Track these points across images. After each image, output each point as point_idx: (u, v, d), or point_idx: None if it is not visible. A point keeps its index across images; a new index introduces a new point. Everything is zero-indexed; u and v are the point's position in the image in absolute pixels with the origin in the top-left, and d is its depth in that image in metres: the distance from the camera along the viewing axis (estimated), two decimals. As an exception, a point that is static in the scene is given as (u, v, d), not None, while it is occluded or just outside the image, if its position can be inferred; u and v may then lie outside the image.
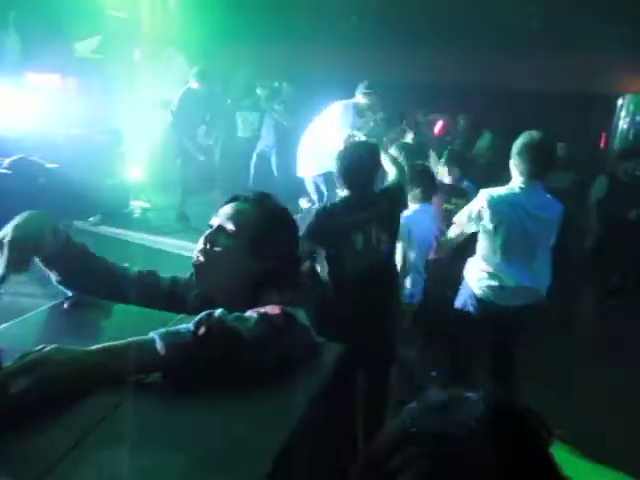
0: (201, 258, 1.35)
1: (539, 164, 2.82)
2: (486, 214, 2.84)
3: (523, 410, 0.70)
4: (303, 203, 5.69)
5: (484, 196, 2.88)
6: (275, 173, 7.31)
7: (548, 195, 2.90)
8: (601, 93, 8.37)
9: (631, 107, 7.81)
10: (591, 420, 3.11)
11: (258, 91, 7.26)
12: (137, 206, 7.11)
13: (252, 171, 7.41)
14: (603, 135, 8.55)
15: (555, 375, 3.57)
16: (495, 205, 2.83)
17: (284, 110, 7.19)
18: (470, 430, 0.65)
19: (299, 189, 5.61)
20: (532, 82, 8.90)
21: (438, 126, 8.36)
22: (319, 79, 7.49)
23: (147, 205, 7.17)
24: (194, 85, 6.29)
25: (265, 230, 1.36)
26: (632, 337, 4.16)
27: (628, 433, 3.02)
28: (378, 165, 2.94)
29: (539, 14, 8.45)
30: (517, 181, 2.86)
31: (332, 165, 2.86)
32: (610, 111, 8.28)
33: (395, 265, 3.07)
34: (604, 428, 3.04)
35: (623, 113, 7.90)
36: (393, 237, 2.91)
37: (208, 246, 1.35)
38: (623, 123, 7.88)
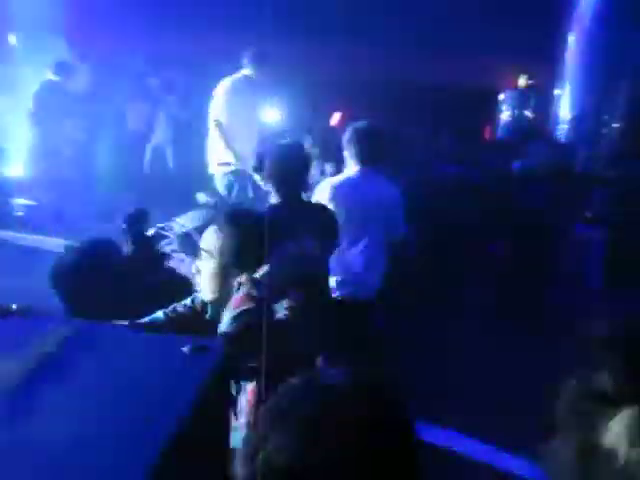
0: (197, 287, 1.72)
1: (367, 150, 2.94)
2: (329, 202, 2.90)
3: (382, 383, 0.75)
4: (201, 197, 5.53)
5: (325, 185, 2.99)
6: (171, 167, 7.06)
7: (384, 180, 2.98)
8: (486, 89, 8.91)
9: (511, 102, 8.36)
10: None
11: (150, 81, 6.95)
12: (18, 204, 6.58)
13: (147, 166, 7.10)
14: (487, 129, 9.08)
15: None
16: (334, 193, 2.92)
17: (178, 101, 6.95)
18: (337, 402, 0.70)
19: (197, 183, 5.44)
20: (422, 78, 9.26)
21: (336, 118, 8.45)
22: (217, 68, 7.29)
23: (29, 203, 6.65)
24: (53, 77, 5.91)
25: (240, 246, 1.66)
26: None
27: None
28: (309, 167, 2.88)
29: (427, 12, 8.78)
30: (351, 168, 2.96)
31: (244, 162, 2.80)
32: (493, 106, 8.81)
33: (327, 273, 3.02)
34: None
35: (504, 107, 8.42)
36: (328, 246, 2.87)
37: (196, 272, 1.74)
38: (504, 116, 8.41)
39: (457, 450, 2.89)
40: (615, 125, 6.82)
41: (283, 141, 3.30)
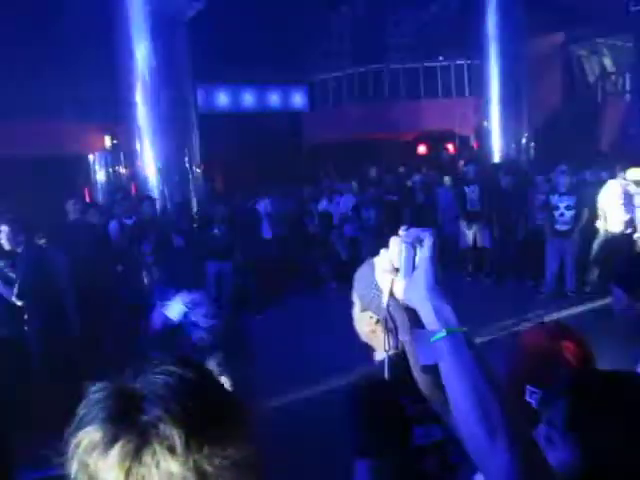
0: None
1: None
2: None
3: None
4: None
5: None
6: None
7: None
8: (72, 154, 8.76)
9: (103, 162, 8.39)
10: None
11: None
12: None
13: None
14: (87, 190, 8.91)
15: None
16: None
17: None
18: None
19: None
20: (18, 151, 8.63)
21: None
22: None
23: None
24: None
25: None
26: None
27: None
28: None
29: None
30: None
31: None
32: (85, 169, 8.69)
33: None
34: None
35: (97, 167, 8.39)
36: None
37: None
38: (100, 177, 8.38)
39: None
40: (198, 170, 7.45)
41: None
